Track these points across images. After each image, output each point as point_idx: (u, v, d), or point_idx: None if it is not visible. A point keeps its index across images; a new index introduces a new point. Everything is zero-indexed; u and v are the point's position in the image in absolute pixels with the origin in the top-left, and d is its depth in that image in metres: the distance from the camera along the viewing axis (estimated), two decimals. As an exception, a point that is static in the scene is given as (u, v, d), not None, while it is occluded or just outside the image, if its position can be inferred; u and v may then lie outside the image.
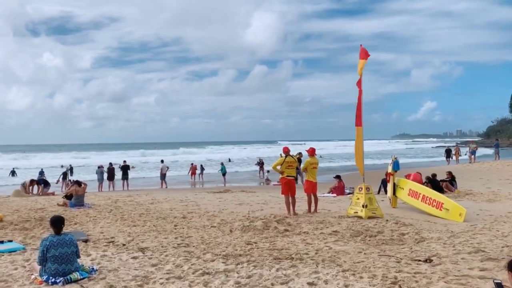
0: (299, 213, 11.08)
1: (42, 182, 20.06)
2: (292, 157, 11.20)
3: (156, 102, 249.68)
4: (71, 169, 31.26)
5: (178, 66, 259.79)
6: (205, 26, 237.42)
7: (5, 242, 8.14)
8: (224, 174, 27.71)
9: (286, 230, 8.96)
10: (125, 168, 24.45)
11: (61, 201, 13.78)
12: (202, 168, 30.73)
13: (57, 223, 5.97)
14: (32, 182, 19.47)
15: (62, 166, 38.36)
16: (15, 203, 14.66)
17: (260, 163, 32.11)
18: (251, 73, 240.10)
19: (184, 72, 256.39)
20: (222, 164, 29.68)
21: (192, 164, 30.97)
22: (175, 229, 9.53)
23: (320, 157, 62.17)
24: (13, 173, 40.10)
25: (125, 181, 24.14)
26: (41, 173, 26.55)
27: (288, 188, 11.02)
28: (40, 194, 18.90)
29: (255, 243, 7.93)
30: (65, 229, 9.76)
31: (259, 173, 31.09)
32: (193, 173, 29.45)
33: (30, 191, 19.05)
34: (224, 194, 17.10)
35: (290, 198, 11.00)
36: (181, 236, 8.69)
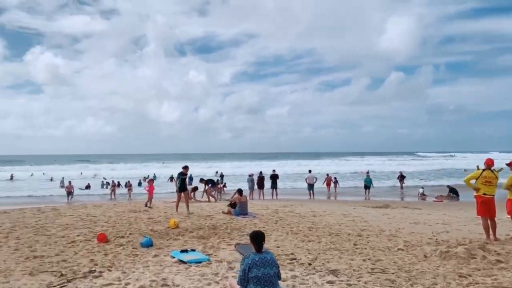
0: (500, 238, 9.19)
1: (210, 182, 21.66)
2: (493, 172, 9.33)
3: (289, 113, 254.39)
4: (221, 176, 32.75)
5: (310, 77, 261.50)
6: (337, 36, 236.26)
7: (189, 251, 8.07)
8: (368, 187, 25.96)
9: (499, 261, 7.30)
10: (274, 177, 24.44)
11: (225, 209, 13.89)
12: (336, 180, 30.04)
13: (259, 239, 5.38)
14: (194, 189, 20.59)
15: (216, 173, 40.53)
16: (181, 209, 15.28)
17: (400, 176, 30.77)
18: (387, 81, 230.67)
19: (316, 83, 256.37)
20: (367, 175, 27.91)
21: (327, 175, 30.16)
22: (357, 249, 8.53)
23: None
24: (171, 179, 43.78)
25: (274, 190, 24.13)
26: (222, 176, 28.59)
27: (486, 208, 9.20)
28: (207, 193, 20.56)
29: (469, 275, 6.49)
30: (237, 239, 9.70)
31: (401, 187, 29.91)
32: (328, 184, 28.84)
33: (193, 197, 20.02)
34: (386, 210, 15.64)
35: (489, 220, 9.19)
36: (369, 259, 7.64)
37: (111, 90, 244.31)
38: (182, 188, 14.17)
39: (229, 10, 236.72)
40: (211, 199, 20.62)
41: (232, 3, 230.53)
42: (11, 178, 50.21)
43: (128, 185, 29.38)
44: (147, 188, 16.79)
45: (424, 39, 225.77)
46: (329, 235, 9.95)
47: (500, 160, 13.84)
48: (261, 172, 25.66)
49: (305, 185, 25.64)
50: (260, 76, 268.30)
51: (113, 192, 28.32)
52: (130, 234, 10.00)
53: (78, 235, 9.95)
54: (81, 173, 54.31)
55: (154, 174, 50.38)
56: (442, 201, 22.47)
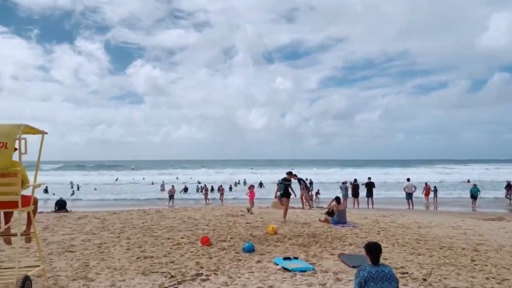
0: None
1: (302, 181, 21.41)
2: None
3: (380, 118, 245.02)
4: (310, 183, 32.37)
5: (403, 80, 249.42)
6: (433, 36, 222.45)
7: (292, 259, 7.90)
8: (475, 197, 23.86)
9: None
10: (370, 186, 23.51)
11: (322, 217, 13.54)
12: (436, 189, 28.09)
13: (375, 250, 5.02)
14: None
15: (306, 179, 40.24)
16: (277, 215, 15.23)
17: (508, 186, 28.20)
18: (489, 82, 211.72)
19: (410, 86, 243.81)
20: (474, 185, 25.74)
21: (426, 184, 28.16)
22: (476, 265, 7.72)
23: None
24: (260, 184, 44.64)
25: (370, 198, 23.21)
26: (311, 183, 28.60)
27: None
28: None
29: None
30: (340, 248, 9.33)
31: (510, 198, 27.45)
32: (427, 193, 27.13)
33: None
34: (501, 223, 14.18)
35: None
36: (493, 277, 6.86)
37: (202, 99, 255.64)
38: (285, 194, 13.98)
39: (316, 16, 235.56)
40: (305, 206, 20.33)
41: (320, 8, 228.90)
42: (116, 180, 54.53)
43: (221, 190, 30.29)
44: (248, 194, 16.96)
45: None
46: (440, 248, 9.16)
47: None
48: (355, 180, 24.84)
49: (403, 194, 24.31)
50: (349, 80, 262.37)
51: (206, 196, 29.39)
52: (231, 238, 10.11)
53: (182, 237, 10.29)
54: (177, 178, 57.22)
55: (245, 179, 51.53)
56: None
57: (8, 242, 6.87)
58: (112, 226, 12.03)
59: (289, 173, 14.59)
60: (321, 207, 21.15)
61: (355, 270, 7.29)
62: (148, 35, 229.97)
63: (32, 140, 6.54)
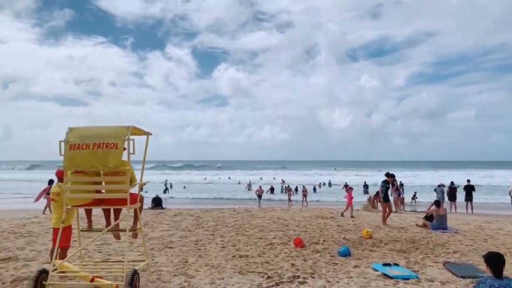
0: None
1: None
2: None
3: (476, 117, 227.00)
4: (401, 185, 30.76)
5: (501, 75, 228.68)
6: None
7: (393, 265, 7.48)
8: None
9: None
10: (469, 189, 21.76)
11: (420, 221, 12.77)
12: None
13: (498, 261, 4.51)
14: (375, 196, 19.62)
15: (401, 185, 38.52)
16: (369, 218, 14.68)
17: None
18: None
19: (509, 81, 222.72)
20: None
21: None
22: None
23: None
24: (368, 188, 42.82)
25: (469, 202, 21.48)
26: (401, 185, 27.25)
27: None
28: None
29: None
30: (444, 256, 8.67)
31: None
32: None
33: (375, 206, 19.19)
34: None
35: None
36: None
37: (285, 99, 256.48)
38: (386, 198, 13.34)
39: (403, 10, 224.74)
40: (397, 209, 19.37)
41: (406, 2, 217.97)
42: (205, 179, 56.66)
43: (304, 191, 29.97)
44: (346, 196, 16.19)
45: None
46: None
47: None
48: (452, 183, 23.14)
49: (508, 198, 22.21)
50: (440, 76, 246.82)
51: (289, 197, 29.32)
52: (323, 241, 9.88)
53: (274, 238, 10.27)
54: (261, 178, 57.99)
55: (330, 181, 50.71)
56: None
57: (117, 237, 7.33)
58: (206, 224, 12.40)
59: (390, 175, 13.81)
60: (415, 211, 20.03)
61: (464, 281, 6.75)
62: (232, 39, 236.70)
63: (137, 141, 6.88)
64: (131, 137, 6.41)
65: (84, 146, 6.23)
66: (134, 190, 6.71)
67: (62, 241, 6.62)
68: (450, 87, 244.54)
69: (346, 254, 8.40)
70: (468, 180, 22.63)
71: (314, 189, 39.77)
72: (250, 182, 45.07)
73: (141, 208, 7.03)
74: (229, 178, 60.17)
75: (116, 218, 6.93)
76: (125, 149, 6.32)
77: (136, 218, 6.86)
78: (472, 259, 8.22)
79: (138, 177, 6.75)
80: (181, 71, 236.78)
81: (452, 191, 21.94)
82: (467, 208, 21.26)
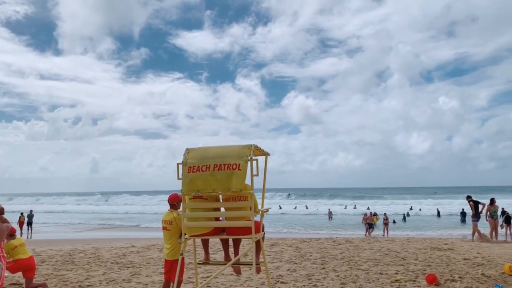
0: None
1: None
2: None
3: None
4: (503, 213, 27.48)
5: None
6: None
7: None
8: None
9: None
10: None
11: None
12: None
13: None
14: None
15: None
16: (491, 250, 12.73)
17: None
18: None
19: None
20: None
21: None
22: None
23: None
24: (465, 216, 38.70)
25: None
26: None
27: None
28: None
29: None
30: None
31: None
32: None
33: (495, 236, 16.77)
34: None
35: None
36: None
37: (358, 124, 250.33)
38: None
39: (481, 27, 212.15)
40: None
41: (483, 18, 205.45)
42: (280, 208, 55.50)
43: (384, 219, 26.93)
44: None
45: None
46: None
47: None
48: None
49: None
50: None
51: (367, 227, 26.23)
52: (459, 277, 8.36)
53: (396, 273, 8.94)
54: (345, 207, 55.64)
55: (420, 208, 47.36)
56: None
57: (238, 271, 6.50)
58: (310, 256, 11.33)
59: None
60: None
61: None
62: (300, 66, 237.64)
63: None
64: (254, 157, 5.67)
65: (204, 168, 5.56)
66: (256, 217, 5.91)
67: (180, 274, 5.93)
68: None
69: (501, 295, 6.90)
70: None
71: (394, 221, 35.29)
72: (329, 209, 43.35)
73: (263, 238, 6.19)
74: (306, 207, 58.44)
75: (236, 248, 6.14)
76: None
77: (259, 249, 6.02)
78: None
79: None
80: (251, 101, 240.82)
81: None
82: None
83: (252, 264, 5.43)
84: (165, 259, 6.40)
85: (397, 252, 12.01)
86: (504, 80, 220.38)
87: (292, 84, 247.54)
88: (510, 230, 20.56)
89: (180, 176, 5.64)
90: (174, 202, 6.35)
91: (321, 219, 39.84)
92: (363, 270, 9.34)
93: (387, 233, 24.51)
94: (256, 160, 5.80)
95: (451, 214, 42.10)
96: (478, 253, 11.89)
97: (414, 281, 8.22)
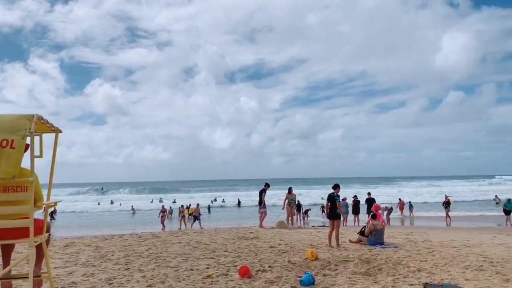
0: None
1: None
2: None
3: (342, 137, 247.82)
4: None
5: (363, 99, 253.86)
6: (390, 56, 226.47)
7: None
8: (509, 213, 22.72)
9: None
10: (370, 202, 22.15)
11: (354, 237, 11.92)
12: (411, 205, 29.75)
13: None
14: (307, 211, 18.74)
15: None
16: (292, 236, 13.50)
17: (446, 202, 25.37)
18: (444, 101, 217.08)
19: (371, 106, 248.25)
20: (509, 200, 24.25)
21: (399, 199, 31.18)
22: None
23: None
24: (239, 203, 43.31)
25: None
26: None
27: None
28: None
29: None
30: (413, 276, 7.69)
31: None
32: (401, 208, 29.01)
33: (291, 222, 18.14)
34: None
35: None
36: None
37: (167, 118, 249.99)
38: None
39: (277, 37, 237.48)
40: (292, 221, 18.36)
41: (278, 29, 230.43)
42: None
43: (181, 211, 26.66)
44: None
45: (484, 56, 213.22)
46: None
47: None
48: (355, 196, 23.48)
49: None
50: (312, 100, 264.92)
51: (163, 220, 25.39)
52: (269, 267, 8.25)
53: (207, 267, 8.35)
54: (156, 201, 54.13)
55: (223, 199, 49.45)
56: None
57: (9, 287, 4.78)
58: (112, 255, 9.88)
59: (336, 186, 11.75)
60: (323, 226, 19.58)
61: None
62: (106, 53, 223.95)
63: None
64: (37, 132, 4.21)
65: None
66: (38, 214, 4.45)
67: None
68: (320, 110, 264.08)
69: (310, 282, 6.90)
70: (369, 193, 23.17)
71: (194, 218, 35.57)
72: (132, 206, 41.47)
73: (47, 241, 4.71)
74: (111, 202, 54.79)
75: (7, 257, 4.52)
76: (27, 147, 4.09)
77: (40, 256, 4.54)
78: (444, 277, 7.37)
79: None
80: (48, 85, 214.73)
81: (356, 204, 22.18)
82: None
83: (27, 278, 3.95)
84: None
85: (206, 244, 11.57)
86: (294, 86, 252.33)
87: (97, 71, 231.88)
88: (299, 216, 22.81)
89: None
90: None
91: (124, 216, 37.63)
92: (172, 267, 8.46)
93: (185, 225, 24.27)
94: (40, 136, 4.31)
95: (250, 205, 45.03)
96: (281, 240, 12.37)
97: (226, 275, 7.74)
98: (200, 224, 23.23)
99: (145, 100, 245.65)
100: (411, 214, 29.09)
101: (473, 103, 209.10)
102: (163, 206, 27.85)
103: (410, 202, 30.74)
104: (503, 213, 24.27)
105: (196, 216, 24.18)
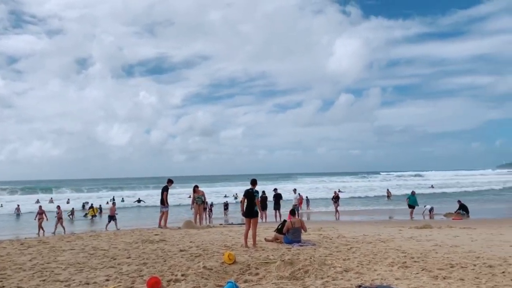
0: None
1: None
2: None
3: (243, 135, 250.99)
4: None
5: (264, 99, 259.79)
6: (288, 58, 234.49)
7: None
8: (413, 207, 23.42)
9: None
10: (277, 197, 21.97)
11: (270, 235, 11.21)
12: (308, 199, 30.90)
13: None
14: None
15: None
16: (202, 237, 12.43)
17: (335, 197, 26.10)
18: (336, 103, 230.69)
19: (270, 105, 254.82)
20: (412, 193, 24.77)
21: (299, 195, 30.02)
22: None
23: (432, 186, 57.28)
24: (139, 201, 41.11)
25: (278, 211, 21.70)
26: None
27: None
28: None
29: None
30: (342, 278, 7.11)
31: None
32: (300, 203, 27.37)
33: (199, 221, 17.04)
34: (434, 231, 13.76)
35: None
36: None
37: (57, 112, 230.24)
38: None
39: (178, 31, 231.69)
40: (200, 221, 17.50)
41: (179, 24, 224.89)
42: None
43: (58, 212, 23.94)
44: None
45: (371, 62, 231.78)
46: (452, 267, 7.52)
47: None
48: (263, 192, 22.99)
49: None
50: (214, 98, 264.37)
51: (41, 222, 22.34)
52: (182, 275, 7.11)
53: (107, 280, 6.96)
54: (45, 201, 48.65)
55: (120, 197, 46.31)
56: (461, 218, 21.04)
57: None
58: (-19, 270, 7.91)
59: (254, 181, 11.02)
60: (232, 224, 18.81)
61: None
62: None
63: None
64: None
65: None
66: None
67: None
68: (223, 108, 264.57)
69: (234, 292, 5.94)
70: (275, 189, 22.92)
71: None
72: (18, 205, 36.69)
73: None
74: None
75: None
76: None
77: None
78: (373, 277, 6.90)
79: None
80: None
81: (263, 200, 21.69)
82: (276, 217, 21.45)
83: None
84: None
85: (105, 250, 10.00)
86: (196, 83, 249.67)
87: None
88: (205, 214, 21.79)
89: None
90: None
91: (6, 218, 33.02)
92: (62, 281, 6.91)
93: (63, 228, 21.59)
94: None
95: (151, 206, 42.60)
96: (191, 241, 11.26)
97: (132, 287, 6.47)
98: (116, 224, 21.02)
99: (32, 91, 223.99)
100: (308, 209, 29.90)
101: (361, 105, 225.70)
102: (40, 207, 24.45)
103: (307, 197, 31.54)
104: (395, 207, 25.78)
105: (112, 216, 21.94)
